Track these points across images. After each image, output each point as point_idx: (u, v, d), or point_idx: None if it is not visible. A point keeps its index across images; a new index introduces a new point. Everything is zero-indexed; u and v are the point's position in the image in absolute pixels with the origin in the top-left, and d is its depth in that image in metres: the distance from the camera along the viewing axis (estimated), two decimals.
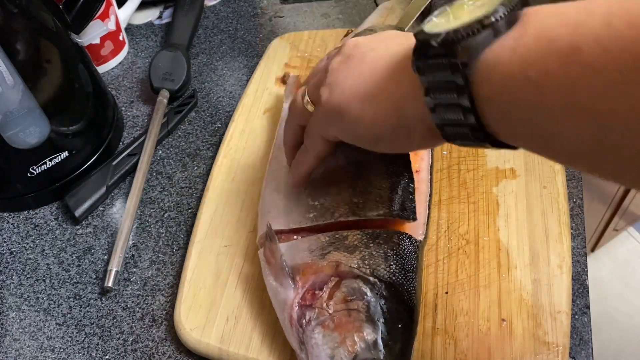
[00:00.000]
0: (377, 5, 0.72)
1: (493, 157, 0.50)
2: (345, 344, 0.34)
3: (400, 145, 0.31)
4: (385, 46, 0.31)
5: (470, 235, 0.45)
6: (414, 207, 0.40)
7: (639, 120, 0.19)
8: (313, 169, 0.40)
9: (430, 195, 0.44)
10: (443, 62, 0.24)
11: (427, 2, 0.50)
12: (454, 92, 0.25)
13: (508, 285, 0.42)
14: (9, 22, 0.44)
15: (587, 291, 0.44)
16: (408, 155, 0.41)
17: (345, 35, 0.60)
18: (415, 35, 0.26)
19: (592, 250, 1.63)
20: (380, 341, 0.34)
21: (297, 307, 0.37)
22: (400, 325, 0.35)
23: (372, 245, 0.38)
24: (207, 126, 0.60)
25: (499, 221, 0.46)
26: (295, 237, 0.41)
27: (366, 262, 0.37)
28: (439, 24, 0.25)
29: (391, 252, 0.38)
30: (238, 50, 0.69)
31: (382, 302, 0.35)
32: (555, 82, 0.21)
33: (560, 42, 0.21)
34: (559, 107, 0.21)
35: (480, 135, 0.25)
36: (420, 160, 0.45)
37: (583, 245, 0.47)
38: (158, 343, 0.44)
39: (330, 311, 0.35)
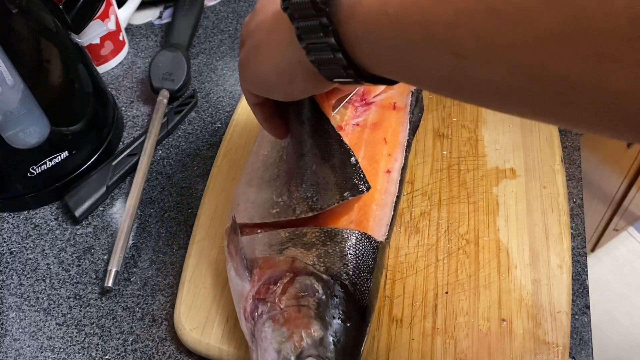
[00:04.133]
0: None
1: (493, 157, 0.50)
2: (292, 339, 0.34)
3: (287, 90, 0.33)
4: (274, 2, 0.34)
5: (470, 235, 0.45)
6: (362, 177, 0.39)
7: (484, 49, 0.20)
8: (265, 115, 0.40)
9: (398, 197, 0.43)
10: (306, 3, 0.26)
11: None
12: (320, 32, 0.26)
13: (508, 285, 0.42)
14: (9, 22, 0.44)
15: (587, 291, 0.44)
16: (338, 134, 0.41)
17: None
18: None
19: (592, 250, 1.63)
20: (327, 338, 0.34)
21: (251, 300, 0.37)
22: (349, 324, 0.35)
23: (329, 243, 0.38)
24: (207, 126, 0.60)
25: (499, 221, 0.46)
26: (259, 231, 0.41)
27: (321, 259, 0.37)
28: None
29: (347, 251, 0.38)
30: (238, 50, 0.69)
31: (334, 300, 0.36)
32: (411, 15, 0.22)
33: None
34: (418, 39, 0.22)
35: (352, 72, 0.27)
36: (393, 161, 0.45)
37: (583, 245, 0.47)
38: (158, 343, 0.44)
39: (282, 306, 0.36)
